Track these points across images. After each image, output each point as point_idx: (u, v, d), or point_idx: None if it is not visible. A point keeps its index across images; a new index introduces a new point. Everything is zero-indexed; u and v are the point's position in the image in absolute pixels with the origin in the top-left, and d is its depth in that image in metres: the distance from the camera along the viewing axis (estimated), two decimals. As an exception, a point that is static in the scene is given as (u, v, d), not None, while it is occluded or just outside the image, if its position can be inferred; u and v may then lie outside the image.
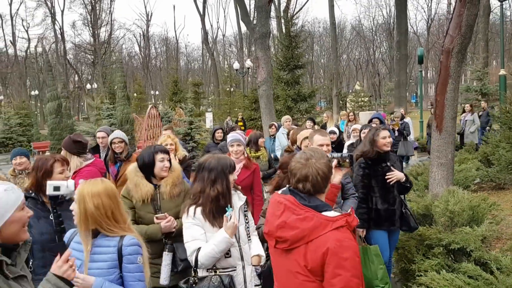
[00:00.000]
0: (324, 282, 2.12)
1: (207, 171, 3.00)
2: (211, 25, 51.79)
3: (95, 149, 6.23)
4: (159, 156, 3.46)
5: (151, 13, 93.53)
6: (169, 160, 3.54)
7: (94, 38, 50.66)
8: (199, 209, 2.96)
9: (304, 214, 2.15)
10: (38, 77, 57.86)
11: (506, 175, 9.09)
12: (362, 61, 68.31)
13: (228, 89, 34.07)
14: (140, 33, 64.35)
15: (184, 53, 75.43)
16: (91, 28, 51.01)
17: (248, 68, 26.36)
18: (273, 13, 28.34)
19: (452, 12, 6.72)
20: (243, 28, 50.70)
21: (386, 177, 4.47)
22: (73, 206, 2.43)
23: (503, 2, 12.33)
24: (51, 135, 13.86)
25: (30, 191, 3.18)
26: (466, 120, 12.85)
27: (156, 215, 3.39)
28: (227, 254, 2.92)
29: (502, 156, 9.20)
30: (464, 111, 13.25)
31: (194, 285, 2.84)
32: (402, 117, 13.02)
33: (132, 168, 3.52)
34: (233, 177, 3.06)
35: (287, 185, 2.38)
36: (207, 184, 2.97)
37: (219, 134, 8.56)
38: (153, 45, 69.89)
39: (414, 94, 58.44)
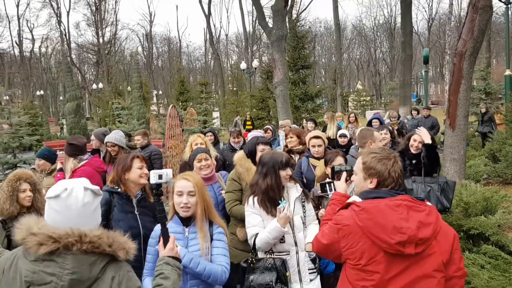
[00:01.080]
0: (452, 269, 2.14)
1: (261, 165, 3.32)
2: (214, 25, 52.38)
3: (97, 151, 6.31)
4: (260, 147, 3.93)
5: (154, 13, 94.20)
6: None
7: (98, 38, 51.19)
8: (255, 199, 3.25)
9: (426, 208, 2.14)
10: (42, 78, 58.36)
11: (513, 170, 9.55)
12: (363, 61, 68.76)
13: (231, 88, 34.43)
14: (143, 33, 64.90)
15: (186, 53, 75.93)
16: (95, 28, 51.53)
17: (255, 68, 26.86)
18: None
19: (464, 17, 7.16)
20: (247, 28, 51.28)
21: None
22: (190, 199, 2.78)
23: (509, 5, 12.81)
24: (71, 134, 14.28)
25: (116, 187, 3.37)
26: None
27: None
28: (282, 240, 3.17)
29: (509, 153, 9.65)
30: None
31: (251, 265, 3.12)
32: (399, 117, 13.55)
33: (241, 155, 4.00)
34: (286, 172, 3.26)
35: (369, 187, 2.28)
36: (260, 177, 3.28)
37: (209, 138, 8.01)
38: (155, 45, 70.41)
39: (414, 93, 58.85)
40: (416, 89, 61.88)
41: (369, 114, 15.97)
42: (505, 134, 10.47)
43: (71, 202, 1.74)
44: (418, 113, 14.53)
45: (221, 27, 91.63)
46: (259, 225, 3.18)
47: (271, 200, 3.19)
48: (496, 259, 4.06)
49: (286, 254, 3.19)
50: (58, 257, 1.65)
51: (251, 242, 3.20)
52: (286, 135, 6.49)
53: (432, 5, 66.98)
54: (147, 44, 65.33)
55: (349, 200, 2.28)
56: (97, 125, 34.13)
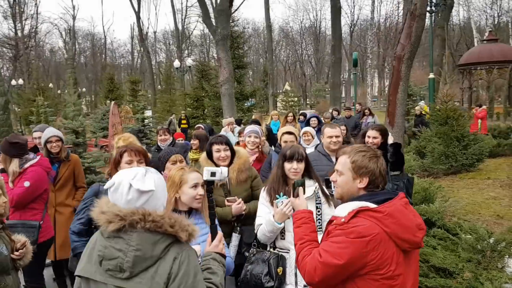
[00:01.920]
0: None
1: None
2: (142, 22, 50.93)
3: (34, 150, 5.48)
4: (215, 147, 3.78)
5: (78, 7, 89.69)
6: (229, 150, 3.79)
7: (16, 31, 47.69)
8: (266, 188, 3.28)
9: None
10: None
11: (438, 165, 10.51)
12: (290, 63, 70.70)
13: (161, 87, 33.79)
14: (65, 28, 61.63)
15: (110, 49, 73.40)
16: (12, 21, 48.02)
17: (190, 67, 26.67)
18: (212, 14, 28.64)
19: (402, 24, 7.80)
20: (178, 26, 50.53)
21: None
22: (202, 191, 2.78)
23: (433, 14, 14.04)
24: (-2, 132, 13.29)
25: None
26: (368, 122, 14.15)
27: (227, 198, 3.63)
28: (282, 236, 3.12)
29: (435, 149, 10.61)
30: (364, 115, 14.71)
31: (252, 255, 3.15)
32: (332, 117, 14.22)
33: (203, 156, 3.89)
34: (290, 165, 3.15)
35: (367, 189, 2.19)
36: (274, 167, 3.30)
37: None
38: (77, 41, 67.19)
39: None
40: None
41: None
42: (430, 132, 11.45)
43: (116, 197, 1.84)
44: (338, 114, 15.20)
45: (149, 24, 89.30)
46: (264, 216, 3.16)
47: (274, 191, 3.18)
48: (445, 241, 4.54)
49: (286, 252, 3.13)
50: (125, 234, 1.77)
51: (255, 232, 3.21)
52: (239, 134, 6.54)
53: (354, 11, 70.44)
54: (69, 39, 62.13)
55: (356, 207, 2.09)
56: (16, 123, 31.92)
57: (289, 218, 3.01)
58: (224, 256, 2.26)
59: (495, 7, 53.09)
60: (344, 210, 2.14)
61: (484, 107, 17.60)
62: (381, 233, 1.99)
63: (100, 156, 9.79)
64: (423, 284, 3.89)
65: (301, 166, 3.18)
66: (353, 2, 63.26)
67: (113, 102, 10.41)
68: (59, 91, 47.93)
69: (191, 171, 2.87)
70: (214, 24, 12.13)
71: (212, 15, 13.93)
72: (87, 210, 3.19)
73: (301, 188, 2.63)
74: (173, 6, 46.70)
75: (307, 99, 58.42)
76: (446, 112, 10.57)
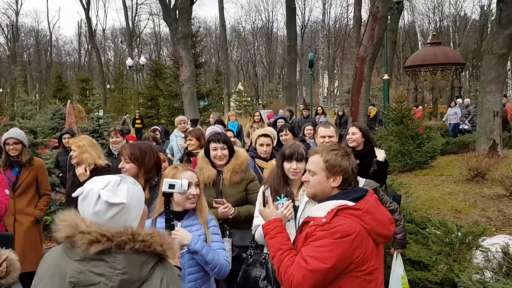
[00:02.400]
0: None
1: None
2: (90, 19, 49.04)
3: None
4: (212, 145, 3.61)
5: (22, 2, 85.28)
6: (228, 149, 3.64)
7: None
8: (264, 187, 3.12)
9: None
10: None
11: (394, 163, 10.91)
12: (242, 63, 70.98)
13: (110, 86, 32.84)
14: (7, 24, 58.44)
15: (55, 46, 70.53)
16: None
17: (143, 65, 26.02)
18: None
19: (365, 26, 8.05)
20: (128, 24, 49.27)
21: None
22: (196, 190, 2.72)
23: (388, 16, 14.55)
24: None
25: None
26: (320, 121, 14.58)
27: (215, 199, 3.45)
28: None
29: (391, 147, 11.00)
30: (317, 113, 15.16)
31: (249, 256, 3.01)
32: (291, 117, 14.45)
33: (201, 154, 3.73)
34: (289, 165, 2.98)
35: (340, 187, 2.19)
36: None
37: (66, 140, 6.61)
38: (19, 37, 64.06)
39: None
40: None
41: (262, 113, 16.52)
42: (386, 131, 11.86)
43: (84, 207, 1.61)
44: (293, 114, 15.47)
45: (97, 21, 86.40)
46: (260, 217, 2.97)
47: (274, 191, 2.96)
48: (416, 235, 4.72)
49: None
50: (108, 256, 1.53)
51: (253, 233, 3.08)
52: (185, 137, 5.90)
53: (304, 13, 71.73)
54: (12, 36, 58.98)
55: (336, 206, 2.09)
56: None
57: (289, 220, 2.84)
58: (180, 268, 2.16)
59: (437, 12, 56.00)
60: (322, 210, 2.12)
61: (420, 107, 18.88)
62: (361, 230, 2.02)
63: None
64: (401, 277, 4.02)
65: (301, 166, 2.97)
66: (304, 4, 64.20)
67: (69, 101, 10.00)
68: (0, 90, 45.53)
69: (184, 170, 2.76)
70: (174, 22, 11.91)
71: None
72: None
73: (269, 197, 2.55)
74: (124, 3, 45.52)
75: (260, 99, 58.90)
76: (401, 111, 10.99)
